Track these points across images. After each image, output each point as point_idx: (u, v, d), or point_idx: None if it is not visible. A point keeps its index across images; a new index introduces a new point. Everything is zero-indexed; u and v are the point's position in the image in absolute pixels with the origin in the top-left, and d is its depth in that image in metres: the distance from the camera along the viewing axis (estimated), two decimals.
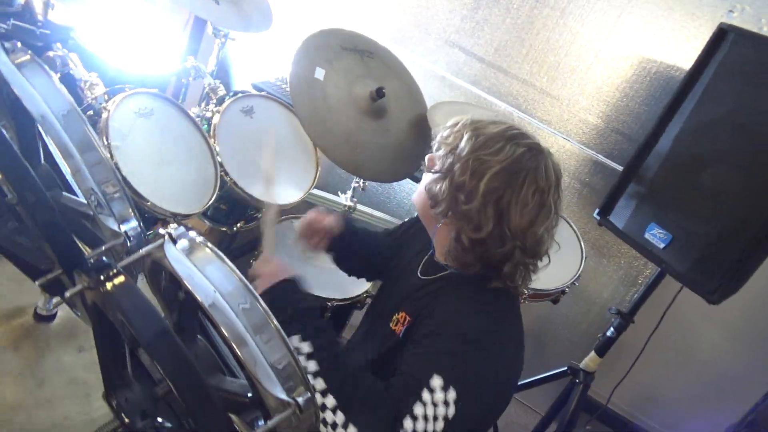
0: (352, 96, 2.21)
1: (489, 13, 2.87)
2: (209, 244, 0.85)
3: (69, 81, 1.83)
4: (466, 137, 1.29)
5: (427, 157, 1.39)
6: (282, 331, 0.83)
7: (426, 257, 1.50)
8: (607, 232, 2.47)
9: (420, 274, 1.47)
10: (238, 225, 2.24)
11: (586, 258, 2.46)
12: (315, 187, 2.65)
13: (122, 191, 0.90)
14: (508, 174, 1.24)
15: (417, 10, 2.98)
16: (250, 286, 0.83)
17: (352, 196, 2.61)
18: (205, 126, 2.08)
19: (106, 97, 1.77)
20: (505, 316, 1.34)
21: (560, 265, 2.39)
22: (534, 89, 2.89)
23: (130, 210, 0.90)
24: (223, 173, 2.03)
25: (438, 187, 1.31)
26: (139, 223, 0.91)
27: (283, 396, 0.78)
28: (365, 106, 2.22)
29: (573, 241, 2.53)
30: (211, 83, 2.17)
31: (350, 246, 1.78)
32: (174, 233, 0.85)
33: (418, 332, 1.30)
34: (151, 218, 1.80)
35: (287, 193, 2.21)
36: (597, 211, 2.29)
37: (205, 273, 0.82)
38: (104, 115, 1.72)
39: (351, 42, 2.32)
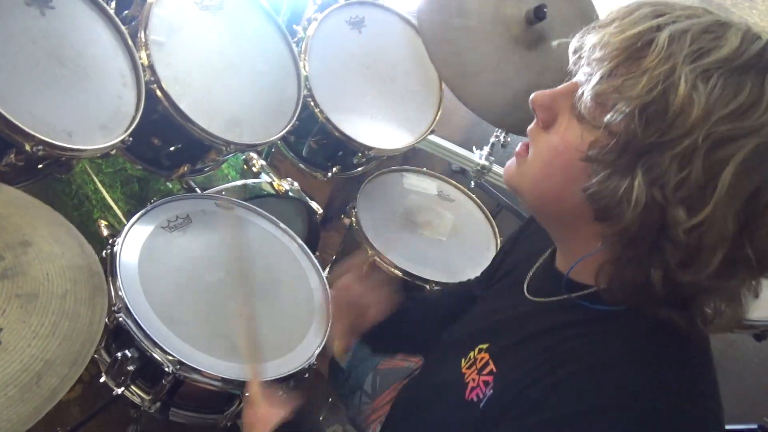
0: (499, 15, 1.57)
1: None
2: None
3: None
4: (685, 84, 0.56)
5: (547, 99, 0.68)
6: None
7: (539, 264, 0.82)
8: None
9: (528, 292, 0.80)
10: (334, 170, 1.69)
11: None
12: (450, 140, 2.03)
13: None
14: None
15: None
16: None
17: (489, 154, 1.93)
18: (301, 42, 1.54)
19: None
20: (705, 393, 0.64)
21: None
22: None
23: None
24: (310, 101, 1.48)
25: (618, 189, 0.60)
26: None
27: None
28: (517, 31, 1.58)
29: None
30: None
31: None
32: None
33: (519, 412, 0.65)
34: (199, 143, 1.29)
35: (397, 136, 1.60)
36: None
37: None
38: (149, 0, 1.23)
39: None
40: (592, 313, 0.68)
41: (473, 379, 0.74)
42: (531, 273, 0.82)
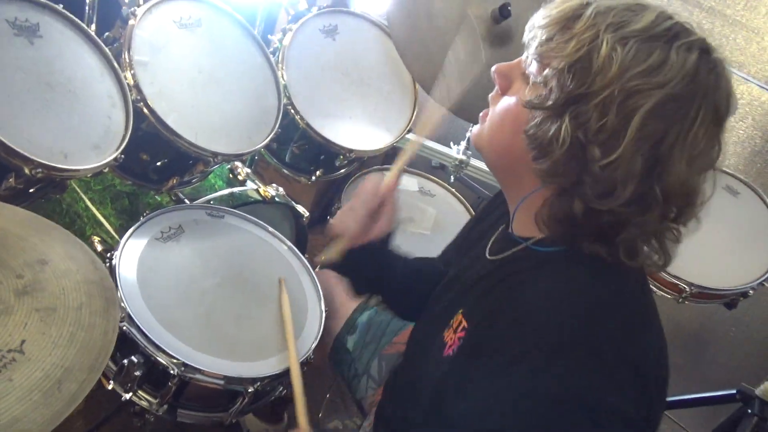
0: (466, 15, 1.62)
1: None
2: None
3: None
4: (606, 46, 0.70)
5: (505, 68, 0.83)
6: None
7: (499, 230, 0.94)
8: None
9: (489, 254, 0.90)
10: (317, 174, 1.75)
11: None
12: (426, 137, 2.09)
13: None
14: (676, 104, 0.70)
15: None
16: None
17: (466, 148, 2.01)
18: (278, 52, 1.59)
19: (140, 1, 1.34)
20: (631, 300, 0.77)
21: (746, 257, 1.64)
22: (723, 19, 2.06)
23: None
24: (290, 109, 1.54)
25: (549, 131, 0.73)
26: None
27: None
28: (484, 30, 1.63)
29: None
30: None
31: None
32: None
33: (476, 348, 0.77)
34: (186, 156, 1.35)
35: (376, 137, 1.67)
36: None
37: None
38: (130, 22, 1.28)
39: None
40: (540, 256, 0.79)
41: (450, 338, 0.83)
42: (492, 240, 0.93)
